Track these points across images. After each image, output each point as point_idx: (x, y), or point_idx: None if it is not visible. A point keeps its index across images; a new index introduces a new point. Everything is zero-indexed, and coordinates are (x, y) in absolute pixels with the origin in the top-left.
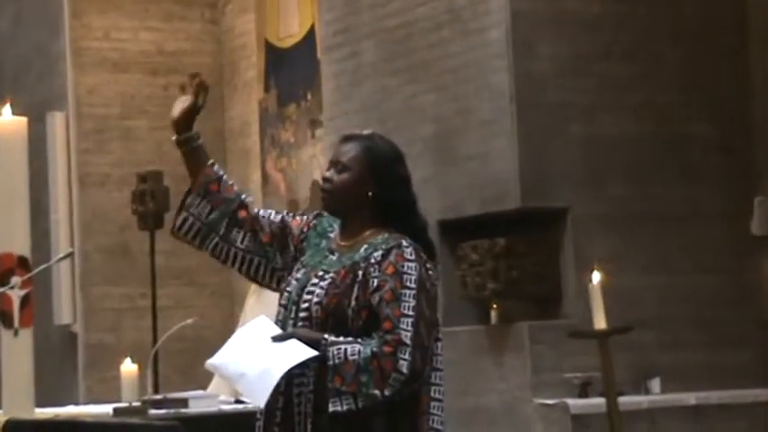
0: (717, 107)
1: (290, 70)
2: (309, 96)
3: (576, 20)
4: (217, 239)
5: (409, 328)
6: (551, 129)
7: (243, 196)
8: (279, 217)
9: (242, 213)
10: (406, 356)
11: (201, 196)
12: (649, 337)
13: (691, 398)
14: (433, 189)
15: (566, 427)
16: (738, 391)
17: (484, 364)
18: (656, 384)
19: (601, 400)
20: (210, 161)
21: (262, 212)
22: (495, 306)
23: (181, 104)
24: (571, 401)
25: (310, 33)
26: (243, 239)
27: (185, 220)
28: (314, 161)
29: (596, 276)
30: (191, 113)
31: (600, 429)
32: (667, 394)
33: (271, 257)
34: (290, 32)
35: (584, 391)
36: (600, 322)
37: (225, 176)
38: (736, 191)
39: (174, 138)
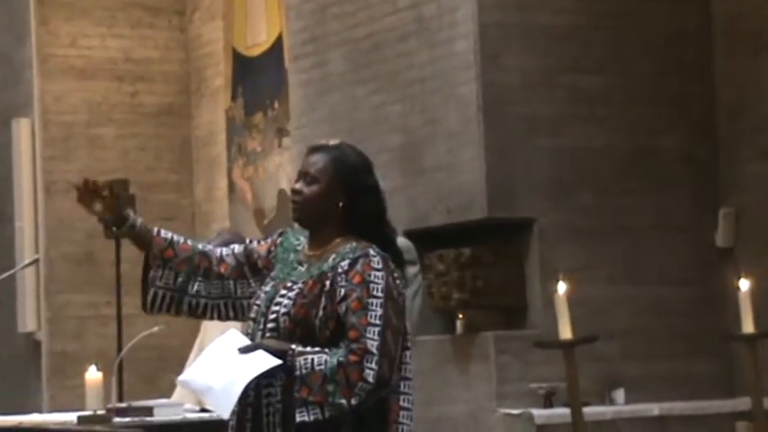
0: (683, 119)
1: (258, 79)
2: (276, 105)
3: (545, 32)
4: (188, 299)
5: (376, 337)
6: (518, 140)
7: (199, 246)
8: (241, 248)
9: (204, 264)
10: (373, 365)
11: (162, 267)
12: (614, 348)
13: (654, 408)
14: (400, 199)
15: None
16: (702, 402)
17: (449, 374)
18: (620, 395)
19: (565, 411)
20: (155, 230)
21: (225, 251)
22: (460, 316)
23: (98, 206)
24: (536, 411)
25: (278, 42)
26: (211, 288)
27: (155, 295)
28: (281, 170)
29: (562, 287)
30: (109, 211)
31: None
32: (632, 405)
33: (243, 291)
34: (257, 41)
35: (548, 402)
36: (565, 332)
37: (174, 237)
38: (701, 202)
39: (115, 231)
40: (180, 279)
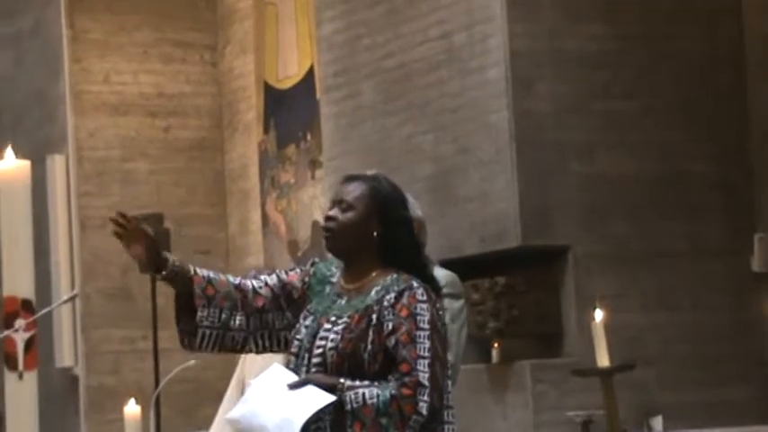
0: (716, 144)
1: (290, 111)
2: (309, 137)
3: (575, 58)
4: (232, 334)
5: (426, 369)
6: (551, 167)
7: (235, 281)
8: (274, 278)
9: (240, 297)
10: (425, 398)
11: (207, 306)
12: (650, 375)
13: None
14: (433, 229)
15: None
16: (739, 428)
17: (485, 403)
18: (658, 422)
19: None
20: (192, 268)
21: (257, 283)
22: (496, 345)
23: (136, 249)
24: None
25: (309, 74)
26: (249, 323)
27: (203, 336)
28: (314, 202)
29: (599, 314)
30: (150, 252)
31: None
32: None
33: (280, 322)
34: (288, 73)
35: (586, 430)
36: (603, 360)
37: (211, 274)
38: (735, 228)
39: (157, 276)
40: (224, 316)
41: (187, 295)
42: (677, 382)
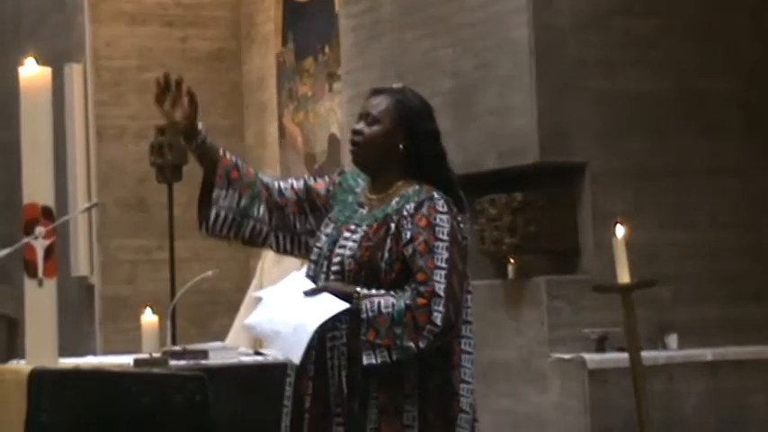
0: (736, 63)
1: (308, 24)
2: (327, 50)
3: None
4: (252, 223)
5: (442, 279)
6: (571, 84)
7: (261, 175)
8: (301, 182)
9: (265, 193)
10: (440, 308)
11: (226, 187)
12: (666, 293)
13: (708, 354)
14: (451, 144)
15: (582, 381)
16: (756, 347)
17: (501, 319)
18: (672, 340)
19: (617, 355)
20: (222, 149)
21: (283, 184)
22: (512, 261)
23: (178, 113)
24: (588, 356)
25: None
26: (272, 218)
27: (218, 215)
28: (331, 115)
29: (620, 230)
30: (187, 120)
31: (617, 384)
32: (684, 350)
33: (302, 226)
34: None
35: (600, 346)
36: (623, 276)
37: (240, 161)
38: (755, 146)
39: (186, 145)
40: (243, 202)
41: (211, 175)
42: (693, 299)
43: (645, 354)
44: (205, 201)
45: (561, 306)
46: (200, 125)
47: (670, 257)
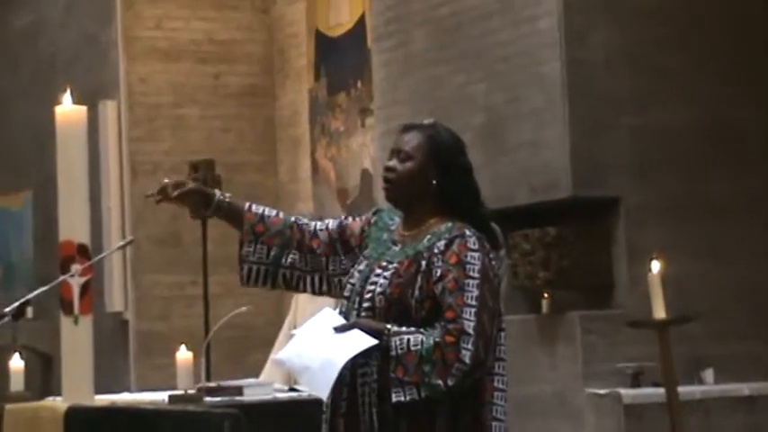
0: None
1: (340, 59)
2: (359, 85)
3: (629, 9)
4: (283, 271)
5: (472, 317)
6: (603, 118)
7: (292, 219)
8: (336, 223)
9: (297, 236)
10: (469, 346)
11: (254, 242)
12: (701, 328)
13: (744, 389)
14: (484, 178)
15: (618, 416)
16: None
17: (535, 354)
18: (709, 375)
19: (653, 390)
20: (247, 205)
21: (319, 225)
22: (546, 295)
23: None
24: (623, 391)
25: (360, 22)
26: (306, 261)
27: (250, 270)
28: (364, 150)
29: (656, 266)
30: (196, 202)
31: (653, 419)
32: (721, 385)
33: (335, 267)
34: (340, 21)
35: (636, 381)
36: (659, 312)
37: (266, 211)
38: None
39: (206, 215)
40: (273, 253)
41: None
42: (728, 335)
43: (681, 389)
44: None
45: (596, 341)
46: (216, 195)
47: (705, 292)
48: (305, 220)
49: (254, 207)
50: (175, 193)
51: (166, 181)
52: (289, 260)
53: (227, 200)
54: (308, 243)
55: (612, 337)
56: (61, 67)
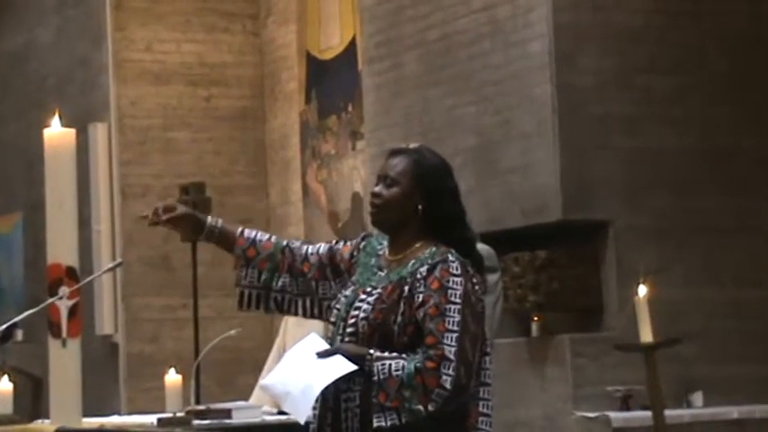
0: (760, 120)
1: (331, 82)
2: (350, 108)
3: (620, 32)
4: (274, 295)
5: (453, 343)
6: (593, 141)
7: (284, 243)
8: (326, 248)
9: (288, 260)
10: (450, 372)
11: (245, 266)
12: (691, 351)
13: (734, 412)
14: (475, 201)
15: None
16: None
17: (525, 377)
18: (698, 398)
19: (642, 414)
20: (239, 229)
21: (310, 249)
22: (536, 318)
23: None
24: (612, 414)
25: (351, 45)
26: (297, 285)
27: (242, 294)
28: (354, 173)
29: (642, 290)
30: (187, 227)
31: None
32: (710, 408)
33: (324, 291)
34: (330, 44)
35: (625, 405)
36: (646, 335)
37: (258, 236)
38: None
39: (197, 240)
40: (264, 277)
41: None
42: (718, 357)
43: (670, 412)
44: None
45: (585, 364)
46: (208, 220)
47: (695, 315)
48: (297, 244)
49: (246, 232)
50: (165, 217)
51: (159, 204)
52: (279, 284)
53: (219, 225)
54: (299, 267)
55: (602, 360)
56: (52, 90)
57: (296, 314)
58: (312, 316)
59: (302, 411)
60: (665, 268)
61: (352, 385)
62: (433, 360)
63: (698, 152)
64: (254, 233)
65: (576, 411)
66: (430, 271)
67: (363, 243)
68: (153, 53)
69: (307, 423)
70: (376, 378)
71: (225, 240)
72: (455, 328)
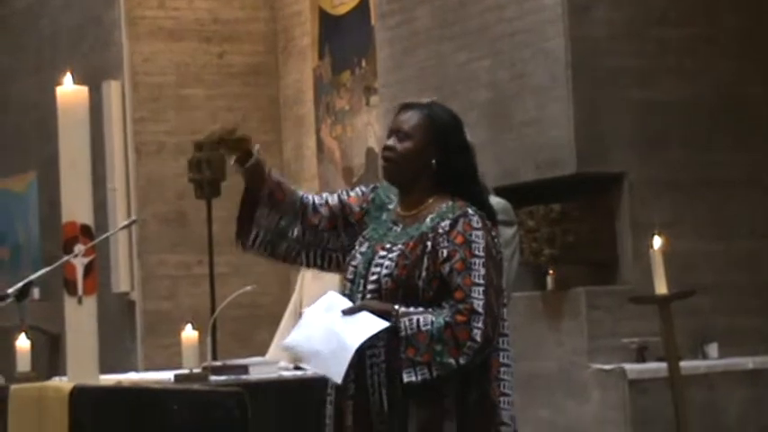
0: None
1: (345, 37)
2: (364, 63)
3: None
4: (287, 244)
5: (481, 296)
6: (607, 94)
7: (300, 193)
8: (335, 198)
9: (301, 210)
10: (480, 325)
11: (269, 207)
12: (706, 303)
13: (748, 362)
14: (489, 155)
15: (623, 392)
16: None
17: (541, 330)
18: (713, 349)
19: (657, 365)
20: (267, 168)
21: (318, 200)
22: (551, 272)
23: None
24: (628, 366)
25: (364, 0)
26: (305, 235)
27: (257, 234)
28: (368, 128)
29: (657, 242)
30: (244, 148)
31: (657, 394)
32: (725, 359)
33: (334, 242)
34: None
35: (640, 356)
36: (661, 287)
37: (284, 180)
38: None
39: (246, 168)
40: (282, 223)
41: (255, 192)
42: (733, 309)
43: (685, 363)
44: (246, 217)
45: (601, 316)
46: (255, 147)
47: (709, 267)
48: (305, 195)
49: (273, 173)
50: (236, 136)
51: (216, 128)
52: (294, 234)
53: (261, 157)
54: (310, 218)
55: (617, 313)
56: (64, 48)
57: (299, 264)
58: (315, 266)
59: (334, 370)
60: (679, 221)
61: (376, 341)
62: (463, 314)
63: (710, 104)
64: (279, 176)
65: (591, 364)
66: (452, 225)
67: (372, 195)
68: (166, 10)
69: (324, 378)
70: (403, 333)
71: (257, 175)
72: (481, 281)
